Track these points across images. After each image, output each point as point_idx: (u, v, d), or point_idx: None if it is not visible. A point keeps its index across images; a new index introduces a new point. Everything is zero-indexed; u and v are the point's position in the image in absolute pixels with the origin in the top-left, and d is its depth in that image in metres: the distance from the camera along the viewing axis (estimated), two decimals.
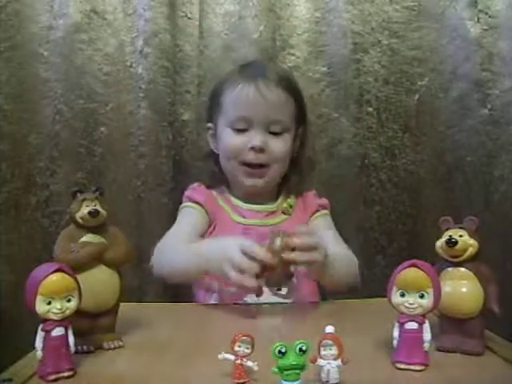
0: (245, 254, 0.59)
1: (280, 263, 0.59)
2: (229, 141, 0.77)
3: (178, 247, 0.72)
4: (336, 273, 0.67)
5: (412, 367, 0.44)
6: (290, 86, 0.78)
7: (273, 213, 0.81)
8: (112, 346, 0.50)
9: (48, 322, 0.42)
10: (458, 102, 0.98)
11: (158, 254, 0.74)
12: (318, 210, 0.82)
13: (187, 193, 0.82)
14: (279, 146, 0.77)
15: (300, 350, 0.37)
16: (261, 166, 0.77)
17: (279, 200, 0.82)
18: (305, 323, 0.60)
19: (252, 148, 0.75)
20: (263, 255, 0.59)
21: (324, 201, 0.84)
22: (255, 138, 0.75)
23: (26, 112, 0.95)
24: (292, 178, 0.82)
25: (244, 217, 0.79)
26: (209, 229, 0.79)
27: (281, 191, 0.83)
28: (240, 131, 0.76)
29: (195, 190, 0.82)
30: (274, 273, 0.60)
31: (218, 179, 0.83)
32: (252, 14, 0.97)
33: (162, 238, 0.76)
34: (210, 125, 0.83)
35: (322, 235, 0.77)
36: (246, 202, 0.81)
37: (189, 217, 0.80)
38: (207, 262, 0.66)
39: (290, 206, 0.81)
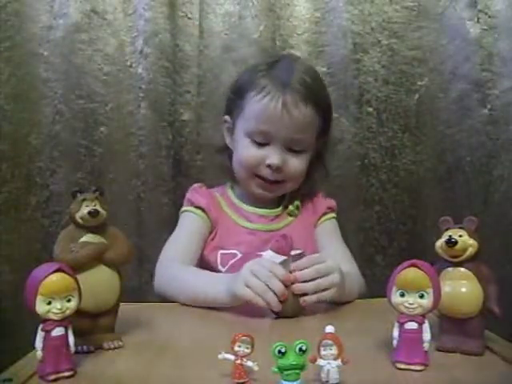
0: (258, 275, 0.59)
1: (290, 293, 0.59)
2: (246, 153, 0.74)
3: (182, 273, 0.69)
4: (352, 292, 0.67)
5: (412, 367, 0.44)
6: (319, 101, 0.73)
7: (278, 216, 0.79)
8: (112, 346, 0.50)
9: (48, 322, 0.42)
10: (457, 102, 0.98)
11: (159, 274, 0.72)
12: (326, 213, 0.81)
13: (188, 195, 0.79)
14: (297, 165, 0.74)
15: (300, 349, 0.37)
16: (275, 182, 0.75)
17: (285, 202, 0.80)
18: (305, 323, 0.60)
19: (269, 165, 0.72)
20: (282, 273, 0.59)
21: (332, 202, 0.82)
22: (274, 155, 0.72)
23: (26, 112, 0.95)
24: (303, 187, 0.79)
25: (250, 221, 0.77)
26: (210, 235, 0.76)
27: (287, 194, 0.81)
28: (259, 144, 0.73)
29: (197, 193, 0.79)
30: (285, 304, 0.59)
31: (229, 175, 0.80)
32: (252, 13, 0.97)
33: (163, 250, 0.74)
34: (227, 118, 0.79)
35: (328, 247, 0.77)
36: (250, 205, 0.79)
37: (190, 225, 0.77)
38: (228, 291, 0.62)
39: (297, 208, 0.79)
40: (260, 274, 0.59)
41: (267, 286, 0.58)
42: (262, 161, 0.73)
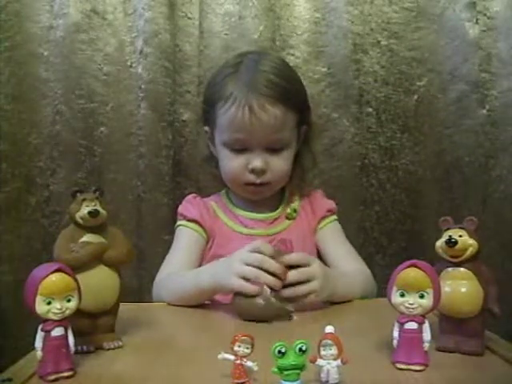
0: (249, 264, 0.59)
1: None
2: (228, 164, 0.73)
3: (178, 278, 0.69)
4: (350, 291, 0.67)
5: (412, 367, 0.44)
6: (288, 96, 0.71)
7: (276, 219, 0.77)
8: (112, 346, 0.50)
9: (48, 322, 0.42)
10: (456, 102, 0.98)
11: (157, 288, 0.71)
12: (326, 216, 0.79)
13: (181, 209, 0.78)
14: (280, 164, 0.73)
15: (300, 350, 0.37)
16: (262, 184, 0.73)
17: (283, 205, 0.78)
18: (305, 323, 0.60)
19: (252, 170, 0.71)
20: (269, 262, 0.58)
21: (332, 204, 0.80)
22: (255, 159, 0.71)
23: (25, 112, 0.95)
24: (294, 179, 0.78)
25: (246, 226, 0.76)
26: (207, 245, 0.75)
27: (284, 194, 0.80)
28: (238, 151, 0.72)
29: (190, 205, 0.78)
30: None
31: (220, 182, 0.79)
32: (252, 14, 0.97)
33: (161, 268, 0.74)
34: (206, 128, 0.78)
35: (333, 249, 0.77)
36: (247, 211, 0.77)
37: (185, 240, 0.76)
38: (214, 281, 0.62)
39: (294, 211, 0.78)
40: (251, 260, 0.59)
41: (261, 269, 0.58)
42: (245, 167, 0.72)
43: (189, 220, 0.76)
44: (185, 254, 0.74)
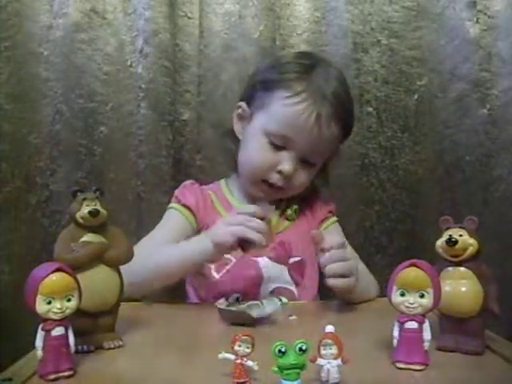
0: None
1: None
2: (260, 156, 0.71)
3: (154, 252, 0.66)
4: (362, 291, 0.66)
5: (412, 367, 0.44)
6: (348, 119, 0.73)
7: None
8: (112, 345, 0.50)
9: (48, 322, 0.42)
10: (457, 101, 0.98)
11: (129, 268, 0.62)
12: (327, 218, 0.78)
13: (177, 192, 0.77)
14: (304, 178, 0.72)
15: (300, 349, 0.37)
16: (280, 187, 0.72)
17: (282, 206, 0.77)
18: (305, 323, 0.60)
19: (280, 171, 0.70)
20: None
21: (331, 205, 0.80)
22: (288, 162, 0.69)
23: (25, 112, 0.95)
24: (303, 192, 0.76)
25: None
26: (199, 234, 0.73)
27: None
28: (276, 146, 0.70)
29: (187, 191, 0.76)
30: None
31: (230, 162, 0.77)
32: (252, 13, 0.97)
33: (137, 245, 0.68)
34: (242, 104, 0.75)
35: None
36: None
37: (172, 223, 0.74)
38: (194, 249, 0.63)
39: (295, 212, 0.77)
40: (236, 221, 0.60)
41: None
42: (274, 166, 0.70)
43: (182, 205, 0.74)
44: (168, 238, 0.71)
